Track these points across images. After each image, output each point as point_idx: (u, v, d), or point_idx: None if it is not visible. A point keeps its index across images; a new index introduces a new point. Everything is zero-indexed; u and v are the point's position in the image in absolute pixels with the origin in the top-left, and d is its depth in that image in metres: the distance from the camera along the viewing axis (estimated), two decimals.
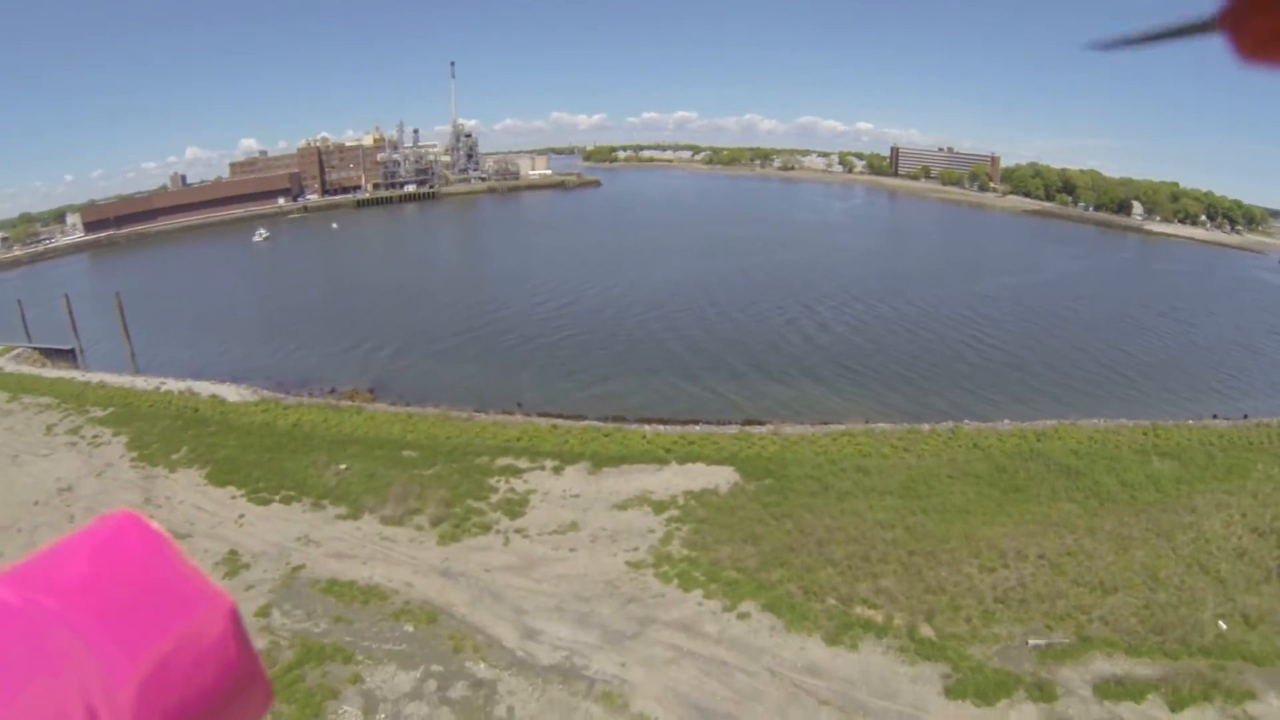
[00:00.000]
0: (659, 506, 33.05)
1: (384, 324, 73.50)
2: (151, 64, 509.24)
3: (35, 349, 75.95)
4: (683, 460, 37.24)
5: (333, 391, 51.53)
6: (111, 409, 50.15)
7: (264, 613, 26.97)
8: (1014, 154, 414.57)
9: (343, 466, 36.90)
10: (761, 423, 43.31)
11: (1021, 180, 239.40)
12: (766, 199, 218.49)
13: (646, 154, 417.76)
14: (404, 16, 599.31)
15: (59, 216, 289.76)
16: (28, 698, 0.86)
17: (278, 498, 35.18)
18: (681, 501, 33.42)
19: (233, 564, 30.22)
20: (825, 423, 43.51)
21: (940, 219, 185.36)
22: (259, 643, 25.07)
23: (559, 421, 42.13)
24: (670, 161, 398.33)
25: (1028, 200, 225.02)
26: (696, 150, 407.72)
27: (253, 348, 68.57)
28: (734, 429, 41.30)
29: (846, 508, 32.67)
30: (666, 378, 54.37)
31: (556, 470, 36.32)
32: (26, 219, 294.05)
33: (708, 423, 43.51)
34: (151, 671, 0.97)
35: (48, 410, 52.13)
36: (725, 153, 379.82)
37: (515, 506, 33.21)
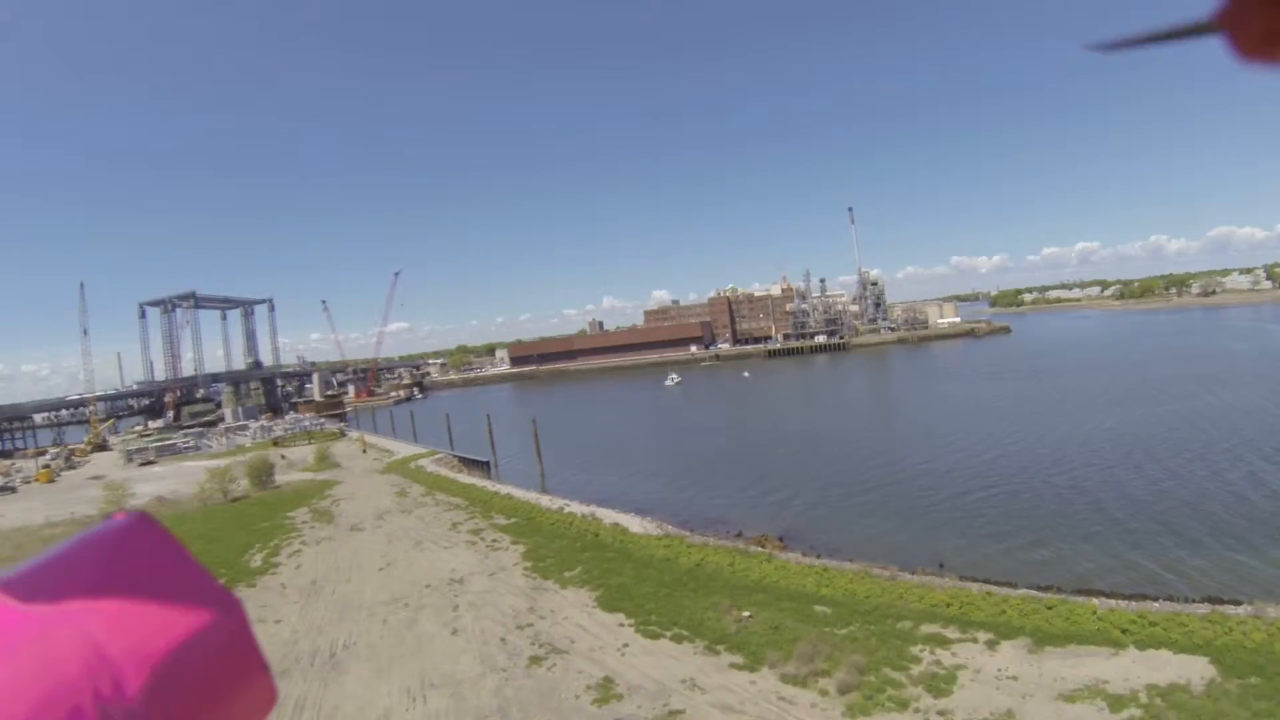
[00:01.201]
0: (1116, 703, 26.00)
1: (794, 472, 70.69)
2: (573, 228, 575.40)
3: (455, 456, 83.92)
4: (1143, 645, 29.63)
5: (740, 535, 48.76)
6: (514, 519, 51.66)
7: None
8: None
9: (746, 614, 33.53)
10: (1236, 602, 34.24)
11: None
12: (1189, 332, 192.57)
13: (1053, 294, 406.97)
14: (799, 168, 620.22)
15: (490, 350, 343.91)
16: (39, 698, 0.88)
17: (668, 634, 32.45)
18: (1144, 699, 26.06)
19: (606, 691, 27.89)
20: None
21: None
22: None
23: (992, 588, 35.82)
24: (1079, 301, 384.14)
25: None
26: (1104, 285, 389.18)
27: (659, 484, 68.51)
28: (1204, 608, 32.45)
29: None
30: (1105, 542, 45.49)
31: (991, 645, 30.18)
32: (462, 350, 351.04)
33: (1168, 599, 35.15)
34: (161, 670, 0.99)
35: (456, 509, 55.52)
36: (1136, 285, 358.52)
37: (940, 683, 27.62)
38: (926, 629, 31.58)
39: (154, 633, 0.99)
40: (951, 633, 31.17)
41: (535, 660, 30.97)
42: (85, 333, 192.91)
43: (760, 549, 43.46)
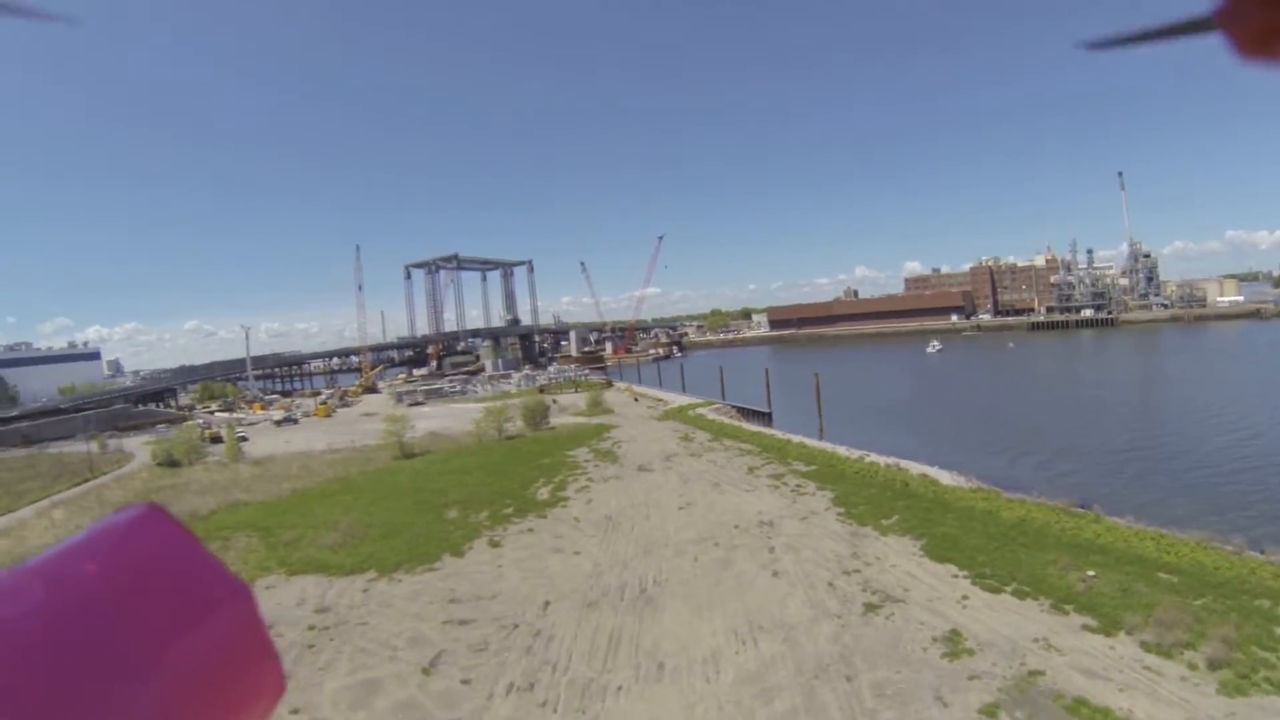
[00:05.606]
0: None
1: (1077, 440, 66.50)
2: (826, 195, 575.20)
3: (732, 406, 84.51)
4: None
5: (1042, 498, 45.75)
6: (815, 466, 51.70)
7: (990, 711, 23.08)
8: None
9: (1091, 574, 31.53)
10: None
11: None
12: None
13: None
14: (1062, 122, 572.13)
15: (745, 314, 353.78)
16: (51, 687, 0.90)
17: (1009, 589, 31.17)
18: None
19: (955, 645, 27.04)
20: None
21: None
22: None
23: None
24: None
25: None
26: None
27: (939, 444, 65.68)
28: None
29: None
30: None
31: None
32: (718, 314, 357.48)
33: None
34: (170, 658, 1.01)
35: (749, 455, 55.98)
36: None
37: None
38: None
39: (165, 622, 1.02)
40: None
41: (871, 608, 30.39)
42: (360, 288, 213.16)
43: (1085, 509, 41.03)
